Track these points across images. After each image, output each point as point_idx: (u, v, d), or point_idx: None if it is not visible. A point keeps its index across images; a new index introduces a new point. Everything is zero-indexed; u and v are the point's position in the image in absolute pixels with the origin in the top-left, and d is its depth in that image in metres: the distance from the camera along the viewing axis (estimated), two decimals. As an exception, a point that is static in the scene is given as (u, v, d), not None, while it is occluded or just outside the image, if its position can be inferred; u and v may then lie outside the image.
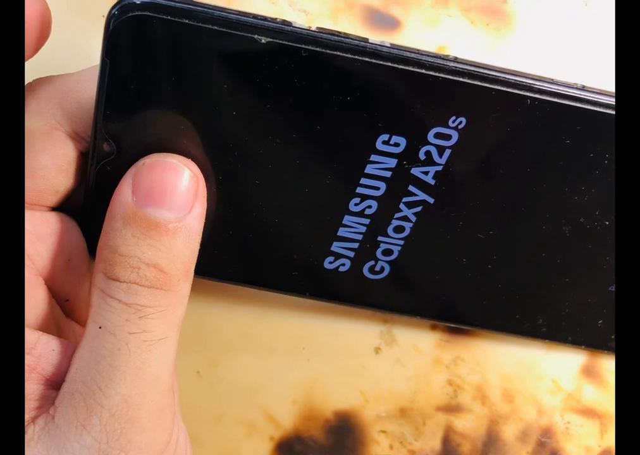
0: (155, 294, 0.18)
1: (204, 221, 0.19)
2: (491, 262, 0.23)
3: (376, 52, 0.18)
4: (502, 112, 0.19)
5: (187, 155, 0.20)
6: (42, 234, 0.20)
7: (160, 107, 0.19)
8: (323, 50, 0.18)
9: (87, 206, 0.21)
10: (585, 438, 0.27)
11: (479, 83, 0.19)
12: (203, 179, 0.19)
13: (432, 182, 0.21)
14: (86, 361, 0.18)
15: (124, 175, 0.19)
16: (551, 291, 0.23)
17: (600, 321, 0.24)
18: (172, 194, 0.18)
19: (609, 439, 0.27)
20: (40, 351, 0.19)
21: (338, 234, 0.22)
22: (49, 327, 0.20)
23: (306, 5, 0.25)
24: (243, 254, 0.22)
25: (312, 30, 0.18)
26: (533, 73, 0.19)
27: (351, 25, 0.25)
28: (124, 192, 0.19)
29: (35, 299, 0.20)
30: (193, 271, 0.19)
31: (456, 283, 0.23)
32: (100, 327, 0.18)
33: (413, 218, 0.21)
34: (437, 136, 0.20)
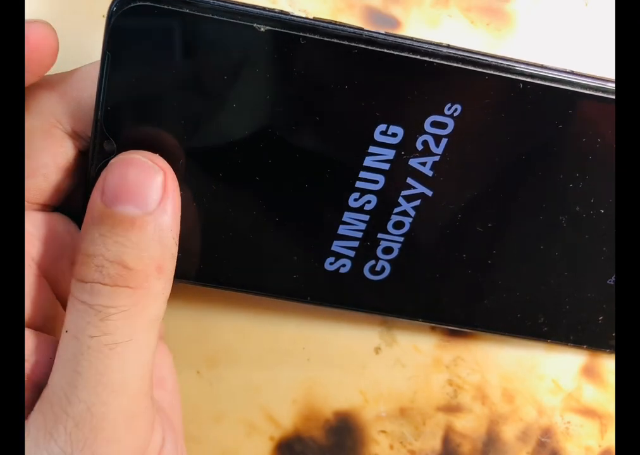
0: (118, 293, 0.18)
1: (179, 217, 0.19)
2: (491, 257, 0.23)
3: (371, 39, 0.19)
4: (495, 98, 0.20)
5: (187, 150, 0.19)
6: (44, 236, 0.20)
7: (161, 101, 0.19)
8: (320, 38, 0.19)
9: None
10: (585, 438, 0.27)
11: (472, 68, 0.19)
12: (173, 174, 0.19)
13: (430, 173, 0.21)
14: (56, 367, 0.18)
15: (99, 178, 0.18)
16: (550, 285, 0.23)
17: (601, 318, 0.24)
18: (138, 190, 0.18)
19: (609, 439, 0.27)
20: (36, 358, 0.18)
21: (338, 232, 0.22)
22: (54, 329, 0.20)
23: (306, 5, 0.25)
24: (243, 259, 0.22)
25: (309, 19, 0.19)
26: (524, 59, 0.20)
27: (351, 25, 0.25)
28: (94, 197, 0.18)
29: (41, 300, 0.20)
30: (168, 268, 0.19)
31: (457, 281, 0.23)
32: (66, 331, 0.18)
33: (412, 213, 0.21)
34: (434, 124, 0.20)
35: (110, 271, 0.18)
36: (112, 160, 0.19)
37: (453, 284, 0.23)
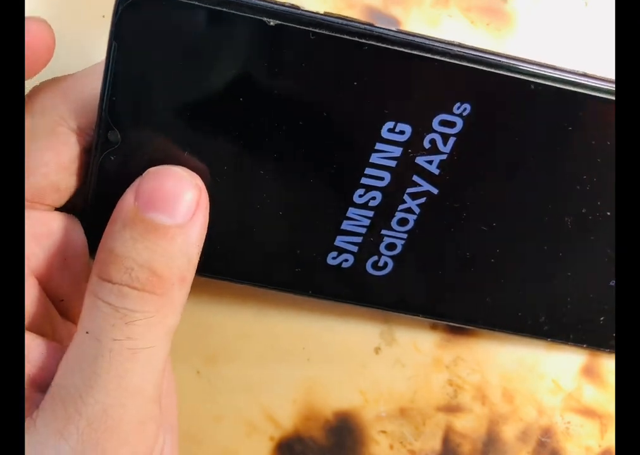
0: (146, 299, 0.18)
1: (205, 234, 0.19)
2: (494, 256, 0.23)
3: (382, 35, 0.19)
4: (506, 98, 0.20)
5: (192, 141, 0.19)
6: (37, 233, 0.20)
7: (166, 92, 0.19)
8: (331, 34, 0.18)
9: (89, 199, 0.21)
10: (585, 438, 0.27)
11: (483, 68, 0.19)
12: (206, 192, 0.19)
13: (437, 171, 0.21)
14: (70, 366, 0.18)
15: (134, 182, 0.19)
16: (552, 285, 0.23)
17: (602, 318, 0.24)
18: (174, 202, 0.18)
19: (609, 439, 0.27)
20: (28, 353, 0.19)
21: (342, 227, 0.22)
22: (41, 326, 0.20)
23: (306, 5, 0.25)
24: (246, 251, 0.22)
25: (319, 14, 0.18)
26: (536, 60, 0.20)
27: (351, 25, 0.25)
28: (127, 197, 0.19)
29: (28, 299, 0.20)
30: (189, 281, 0.19)
31: (460, 279, 0.23)
32: (87, 332, 0.18)
33: (417, 210, 0.21)
34: (442, 123, 0.20)
35: (140, 275, 0.18)
36: (150, 169, 0.19)
37: (456, 281, 0.23)
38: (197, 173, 0.20)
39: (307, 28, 0.18)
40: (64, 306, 0.22)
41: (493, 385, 0.26)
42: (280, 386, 0.26)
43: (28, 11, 0.23)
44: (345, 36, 0.18)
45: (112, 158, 0.20)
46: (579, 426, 0.27)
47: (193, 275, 0.19)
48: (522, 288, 0.23)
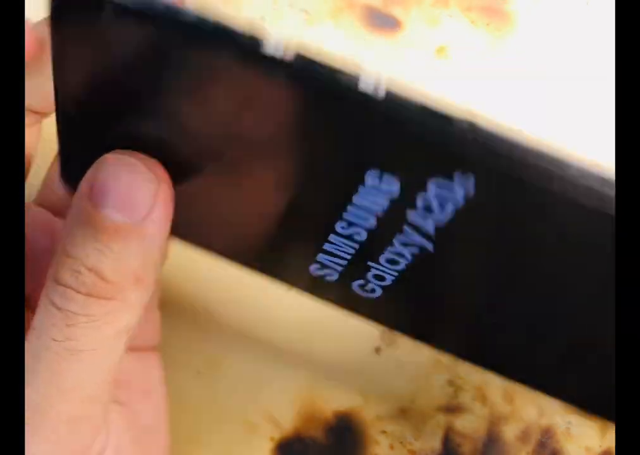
0: (92, 303, 0.17)
1: (168, 226, 0.18)
2: (491, 318, 0.20)
3: (367, 100, 0.14)
4: (515, 198, 0.16)
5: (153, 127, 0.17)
6: None
7: (110, 75, 0.16)
8: (299, 86, 0.14)
9: (62, 160, 0.19)
10: (585, 438, 0.27)
11: (494, 168, 0.15)
12: (169, 183, 0.17)
13: (432, 231, 0.17)
14: None
15: (89, 170, 0.17)
16: (539, 354, 0.21)
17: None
18: (127, 196, 0.17)
19: (610, 439, 0.27)
20: None
21: (324, 247, 0.19)
22: None
23: (306, 5, 0.25)
24: (223, 230, 0.20)
25: (286, 59, 0.14)
26: (567, 157, 0.14)
27: (351, 25, 0.25)
28: (83, 187, 0.17)
29: None
30: (147, 279, 0.18)
31: (452, 322, 0.22)
32: (34, 329, 0.18)
33: (409, 257, 0.18)
34: (440, 186, 0.16)
35: (86, 279, 0.17)
36: (107, 155, 0.17)
37: (447, 322, 0.22)
38: (164, 157, 0.18)
39: (268, 73, 0.14)
40: (32, 303, 0.21)
41: (493, 385, 0.26)
42: (280, 386, 0.26)
43: (30, 11, 0.23)
44: (323, 88, 0.14)
45: (74, 129, 0.18)
46: (579, 427, 0.27)
47: (156, 270, 0.18)
48: (510, 348, 0.22)
